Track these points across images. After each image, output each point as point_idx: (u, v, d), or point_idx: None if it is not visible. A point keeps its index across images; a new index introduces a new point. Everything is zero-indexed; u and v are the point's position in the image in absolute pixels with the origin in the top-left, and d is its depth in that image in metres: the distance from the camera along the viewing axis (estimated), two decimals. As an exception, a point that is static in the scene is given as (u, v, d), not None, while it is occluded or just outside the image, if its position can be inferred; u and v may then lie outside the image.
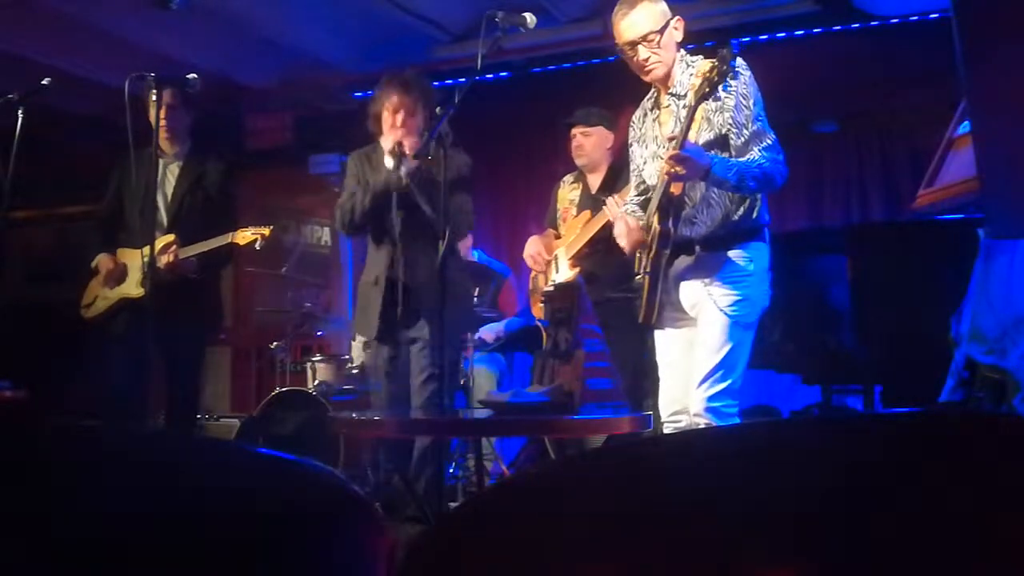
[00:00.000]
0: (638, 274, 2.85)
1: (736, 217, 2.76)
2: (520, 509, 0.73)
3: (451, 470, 4.62)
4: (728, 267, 2.74)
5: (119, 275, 3.78)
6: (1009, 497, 0.65)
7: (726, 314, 2.72)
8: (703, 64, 2.77)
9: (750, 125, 2.69)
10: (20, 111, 3.38)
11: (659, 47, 2.75)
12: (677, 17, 2.80)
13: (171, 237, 3.67)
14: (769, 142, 2.70)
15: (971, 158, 2.68)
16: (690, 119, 2.61)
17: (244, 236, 3.65)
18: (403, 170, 3.38)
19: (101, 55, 5.69)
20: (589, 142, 4.09)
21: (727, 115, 2.70)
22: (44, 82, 3.42)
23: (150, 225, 3.32)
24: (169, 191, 3.81)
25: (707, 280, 2.75)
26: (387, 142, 3.41)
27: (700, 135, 2.71)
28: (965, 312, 2.80)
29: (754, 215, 2.79)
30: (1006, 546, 0.65)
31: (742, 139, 2.69)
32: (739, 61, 2.71)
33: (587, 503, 0.72)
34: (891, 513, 0.66)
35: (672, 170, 2.59)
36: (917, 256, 3.50)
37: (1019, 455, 0.66)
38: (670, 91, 2.82)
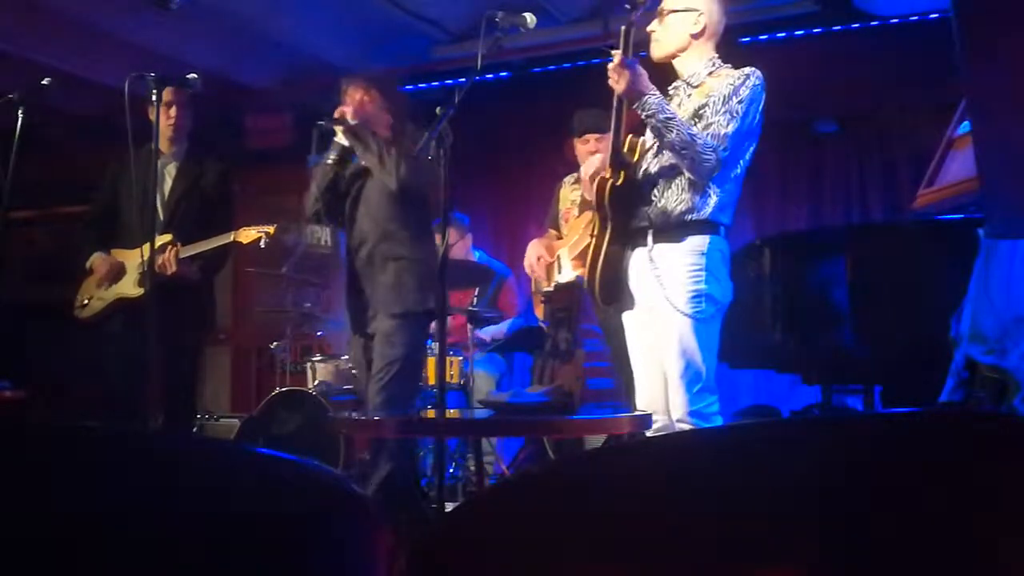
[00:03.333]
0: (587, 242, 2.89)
1: (687, 207, 2.74)
2: (520, 509, 0.73)
3: (451, 470, 4.62)
4: (678, 260, 2.72)
5: (115, 275, 3.77)
6: (1009, 497, 0.65)
7: (684, 314, 2.69)
8: (724, 70, 2.81)
9: (720, 113, 2.71)
10: (20, 111, 3.37)
11: (664, 26, 2.79)
12: (701, 12, 2.82)
13: (168, 237, 3.66)
14: (720, 131, 2.69)
15: (971, 158, 2.68)
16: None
17: (247, 235, 3.64)
18: (340, 132, 3.46)
19: (101, 55, 5.69)
20: (604, 147, 4.10)
21: (714, 100, 2.73)
22: (44, 82, 3.42)
23: (150, 225, 3.32)
24: (166, 191, 3.80)
25: (660, 276, 2.73)
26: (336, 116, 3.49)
27: (692, 102, 2.77)
28: (965, 312, 2.80)
29: (708, 210, 2.75)
30: (1006, 546, 0.65)
31: (704, 121, 2.72)
32: (754, 70, 2.77)
33: (587, 503, 0.72)
34: (891, 513, 0.66)
35: (613, 78, 2.66)
36: (917, 256, 3.50)
37: (1019, 455, 0.66)
38: (683, 78, 2.85)
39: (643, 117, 2.70)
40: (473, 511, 0.82)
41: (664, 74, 2.93)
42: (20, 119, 3.37)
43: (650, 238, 2.76)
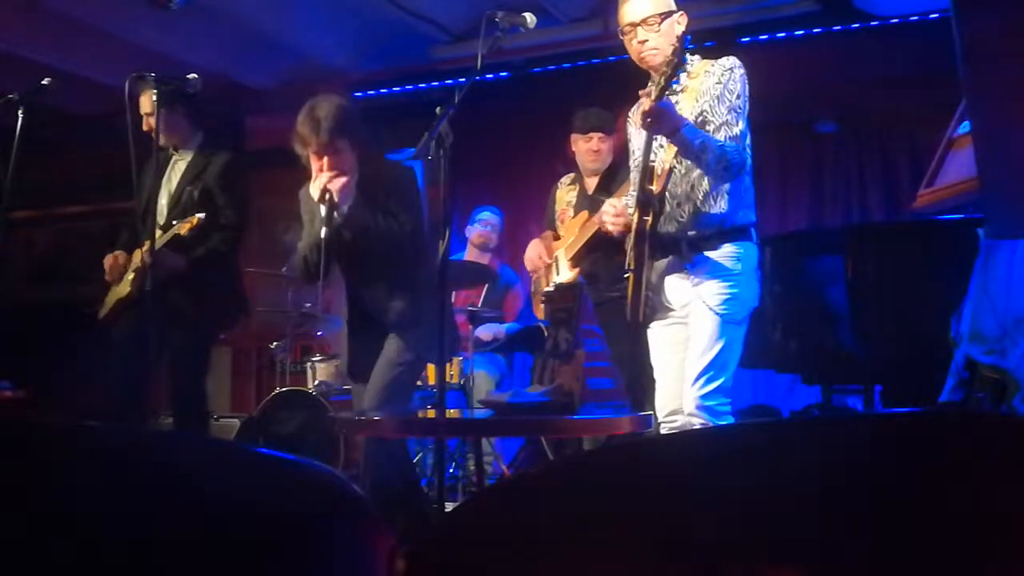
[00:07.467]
0: (627, 273, 2.87)
1: (720, 215, 2.79)
2: (520, 509, 0.73)
3: (451, 470, 4.63)
4: (716, 267, 2.77)
5: (120, 274, 3.75)
6: (1008, 497, 0.65)
7: (716, 312, 2.74)
8: (700, 64, 2.80)
9: (725, 114, 2.75)
10: (20, 111, 3.38)
11: (659, 33, 2.77)
12: (681, 12, 2.83)
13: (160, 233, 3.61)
14: (736, 132, 2.75)
15: (971, 158, 2.68)
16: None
17: (183, 226, 3.53)
18: (337, 218, 3.15)
19: (101, 55, 5.69)
20: (606, 147, 4.12)
21: (710, 103, 2.75)
22: (44, 82, 3.42)
23: (153, 222, 3.32)
24: (173, 187, 3.77)
25: (696, 280, 2.78)
26: (314, 191, 3.19)
27: (683, 109, 2.77)
28: (965, 312, 2.80)
29: (739, 214, 2.81)
30: (1005, 546, 0.65)
31: (713, 126, 2.75)
32: (734, 60, 2.79)
33: (587, 503, 0.72)
34: (891, 513, 0.66)
35: (647, 121, 2.66)
36: (917, 256, 3.49)
37: (1019, 455, 0.66)
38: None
39: (678, 148, 2.72)
40: (473, 511, 0.82)
41: (636, 77, 2.94)
42: (20, 119, 3.37)
43: (686, 249, 2.79)
